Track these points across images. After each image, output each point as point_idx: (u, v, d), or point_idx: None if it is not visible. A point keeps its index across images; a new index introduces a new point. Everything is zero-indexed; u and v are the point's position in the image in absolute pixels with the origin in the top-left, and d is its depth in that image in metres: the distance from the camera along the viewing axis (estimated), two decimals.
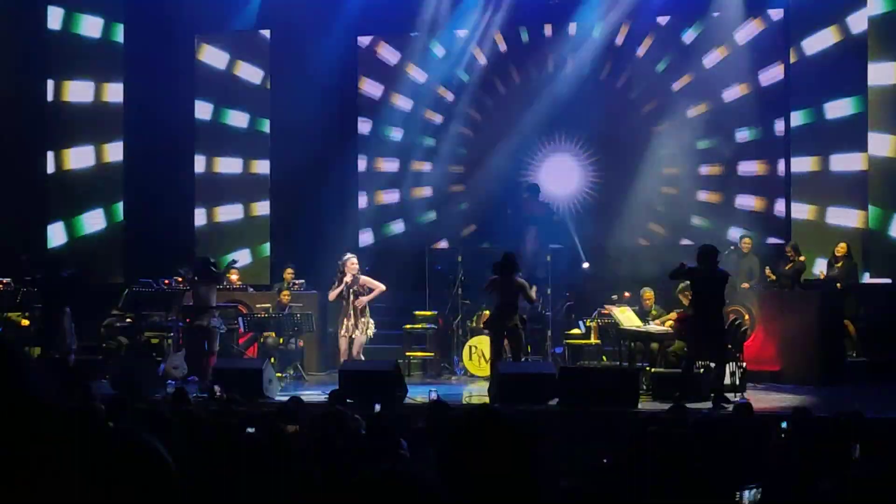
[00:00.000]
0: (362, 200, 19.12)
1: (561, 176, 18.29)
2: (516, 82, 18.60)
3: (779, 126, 17.26)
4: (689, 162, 17.66)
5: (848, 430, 6.69)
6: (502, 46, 18.60)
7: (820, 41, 16.76)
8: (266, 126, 19.14)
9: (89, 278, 15.60)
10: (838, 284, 15.08)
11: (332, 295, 14.55)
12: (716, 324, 12.41)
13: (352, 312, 14.34)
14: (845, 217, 16.56)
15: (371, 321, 14.63)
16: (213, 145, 19.27)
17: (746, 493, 5.00)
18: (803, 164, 16.94)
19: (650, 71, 17.83)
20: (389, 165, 19.10)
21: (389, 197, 19.12)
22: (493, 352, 13.63)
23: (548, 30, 18.48)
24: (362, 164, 19.13)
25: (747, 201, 17.42)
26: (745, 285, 15.38)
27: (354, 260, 14.62)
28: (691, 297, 12.87)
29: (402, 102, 18.92)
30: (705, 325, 12.27)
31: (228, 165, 19.28)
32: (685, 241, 17.47)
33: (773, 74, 17.28)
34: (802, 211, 16.90)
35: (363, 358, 14.23)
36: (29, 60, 18.38)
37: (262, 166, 19.23)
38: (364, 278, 14.61)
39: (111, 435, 2.06)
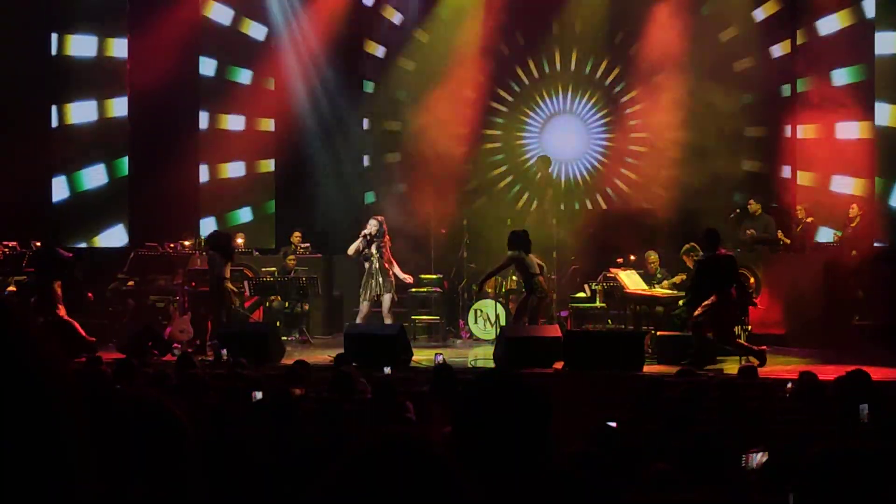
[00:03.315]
0: (366, 160, 19.03)
1: (565, 138, 18.22)
2: (521, 43, 18.47)
3: (785, 91, 17.13)
4: (694, 126, 17.56)
5: (855, 392, 6.69)
6: (505, 8, 18.40)
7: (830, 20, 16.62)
8: (271, 84, 19.03)
9: (80, 260, 15.36)
10: (853, 252, 14.99)
11: (350, 249, 14.22)
12: (727, 304, 12.36)
13: (376, 272, 13.85)
14: (850, 185, 16.43)
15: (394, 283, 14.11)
16: (217, 102, 19.11)
17: (752, 456, 4.99)
18: (808, 131, 16.82)
19: (663, 40, 17.65)
20: (394, 126, 18.98)
21: (393, 157, 19.02)
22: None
23: None
24: (366, 125, 19.04)
25: (752, 166, 17.32)
26: (751, 232, 15.38)
27: (374, 219, 14.07)
28: (707, 284, 12.59)
29: (406, 63, 18.79)
30: (722, 308, 12.21)
31: (233, 123, 19.17)
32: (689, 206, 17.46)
33: (781, 47, 17.12)
34: (807, 178, 16.79)
35: (391, 321, 13.97)
36: (32, 14, 18.22)
37: (266, 124, 19.16)
38: (389, 254, 14.08)
39: (123, 397, 2.06)
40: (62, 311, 13.98)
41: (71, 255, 14.92)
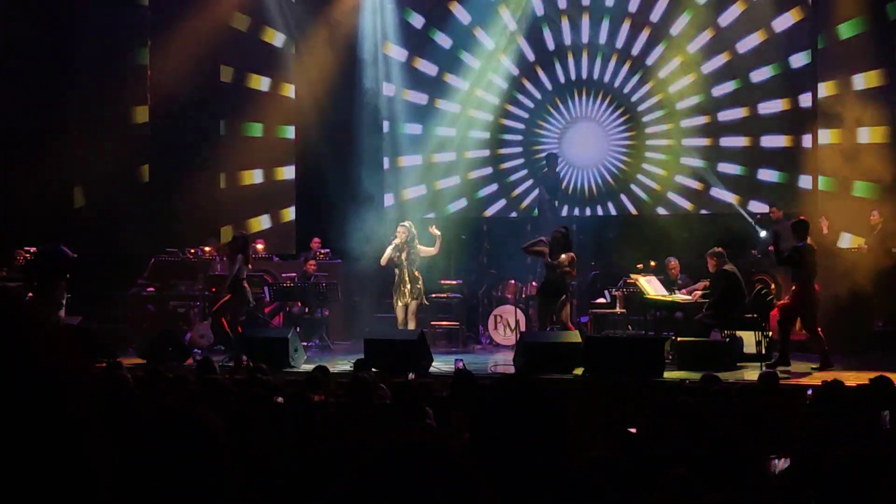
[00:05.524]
0: (385, 163, 19.05)
1: (584, 144, 18.17)
2: (549, 48, 18.37)
3: (804, 99, 16.96)
4: (711, 134, 17.48)
5: (878, 398, 6.65)
6: (539, 8, 18.28)
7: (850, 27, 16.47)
8: (289, 91, 19.07)
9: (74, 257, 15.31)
10: (894, 250, 14.80)
11: (383, 259, 14.17)
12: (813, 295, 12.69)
13: (407, 279, 13.94)
14: (872, 191, 16.21)
15: (422, 290, 14.21)
16: (236, 109, 19.09)
17: (774, 462, 4.97)
18: (829, 137, 16.64)
19: (681, 51, 17.55)
20: (413, 130, 18.96)
21: (411, 161, 18.99)
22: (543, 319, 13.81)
23: None
24: (386, 128, 19.04)
25: (770, 175, 17.21)
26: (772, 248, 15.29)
27: (402, 227, 14.14)
28: (796, 271, 12.81)
29: (426, 67, 18.79)
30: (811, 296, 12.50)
31: (252, 130, 19.16)
32: (705, 212, 17.37)
33: (800, 57, 16.99)
34: (828, 184, 16.64)
35: (413, 325, 14.03)
36: (51, 16, 18.33)
37: (286, 131, 19.17)
38: (422, 248, 14.21)
39: (147, 405, 2.07)
40: (63, 314, 14.05)
41: (75, 255, 14.87)
